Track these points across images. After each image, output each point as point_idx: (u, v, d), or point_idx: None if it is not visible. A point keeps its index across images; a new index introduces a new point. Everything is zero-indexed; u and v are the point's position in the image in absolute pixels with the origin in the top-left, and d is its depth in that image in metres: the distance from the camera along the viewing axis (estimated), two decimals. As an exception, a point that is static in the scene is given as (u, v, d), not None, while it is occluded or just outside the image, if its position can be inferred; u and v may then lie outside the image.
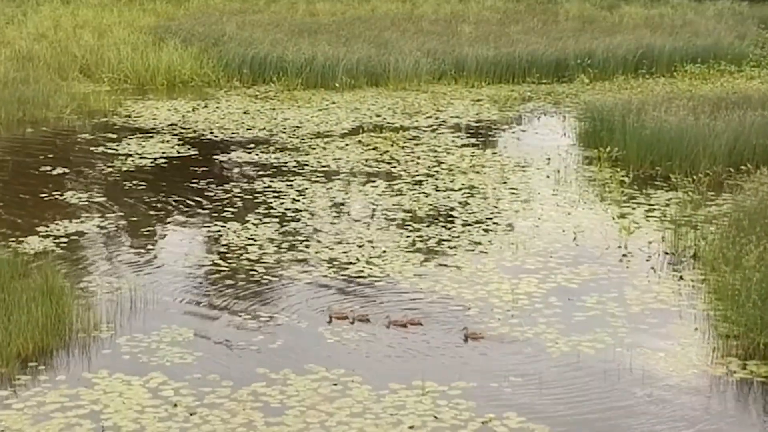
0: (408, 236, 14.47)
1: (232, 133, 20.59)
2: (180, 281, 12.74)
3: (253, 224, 14.95)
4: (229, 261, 13.42)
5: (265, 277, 12.87)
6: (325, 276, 12.93)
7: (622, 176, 17.27)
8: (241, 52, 26.32)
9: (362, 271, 13.08)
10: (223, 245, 14.06)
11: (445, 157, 18.85)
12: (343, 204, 16.02)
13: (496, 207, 15.89)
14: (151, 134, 20.47)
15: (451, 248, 14.01)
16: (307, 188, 16.84)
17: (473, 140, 20.31)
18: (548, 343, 10.99)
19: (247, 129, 20.93)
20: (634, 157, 17.96)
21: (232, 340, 11.00)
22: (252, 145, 19.59)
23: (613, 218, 15.38)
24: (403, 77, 25.34)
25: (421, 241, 14.28)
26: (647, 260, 13.66)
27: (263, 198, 16.29)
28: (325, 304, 11.97)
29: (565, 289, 12.57)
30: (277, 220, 15.19)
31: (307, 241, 14.27)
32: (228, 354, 10.72)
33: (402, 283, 12.70)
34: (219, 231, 14.65)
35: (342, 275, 12.96)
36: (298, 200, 16.17)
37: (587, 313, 11.80)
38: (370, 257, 13.60)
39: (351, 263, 13.37)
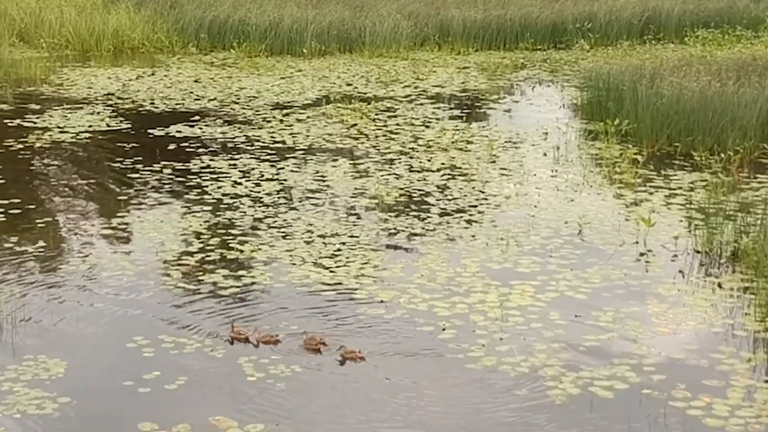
0: (371, 229, 11.53)
1: (177, 104, 17.58)
2: (66, 292, 9.77)
3: (179, 214, 11.99)
4: (138, 264, 10.46)
5: (180, 285, 9.92)
6: (255, 284, 9.98)
7: (635, 154, 14.30)
8: (198, 15, 23.29)
9: (306, 277, 10.15)
10: (134, 242, 11.10)
11: (423, 131, 15.87)
12: (293, 188, 13.06)
13: (482, 192, 12.94)
14: (81, 105, 17.46)
15: (425, 245, 11.06)
16: (253, 168, 13.87)
17: (457, 112, 17.33)
18: (549, 382, 8.05)
19: (195, 99, 17.92)
20: (647, 131, 15.00)
21: (114, 376, 8.05)
22: (197, 118, 16.60)
23: (627, 206, 12.44)
24: (380, 43, 22.32)
25: (386, 236, 11.35)
26: (672, 260, 10.74)
27: (198, 180, 13.32)
28: (246, 322, 9.03)
29: (569, 301, 9.65)
30: (210, 208, 12.23)
31: (242, 236, 11.33)
32: (104, 398, 7.77)
33: (356, 293, 9.76)
34: (133, 222, 11.69)
35: (279, 282, 10.01)
36: (240, 183, 13.20)
37: (600, 337, 8.87)
38: (320, 257, 10.66)
39: (293, 265, 10.43)
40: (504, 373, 8.20)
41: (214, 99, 17.92)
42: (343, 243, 11.08)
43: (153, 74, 19.95)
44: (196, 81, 19.35)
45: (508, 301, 9.58)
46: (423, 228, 11.60)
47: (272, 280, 10.06)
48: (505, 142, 15.33)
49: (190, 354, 8.48)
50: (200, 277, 10.09)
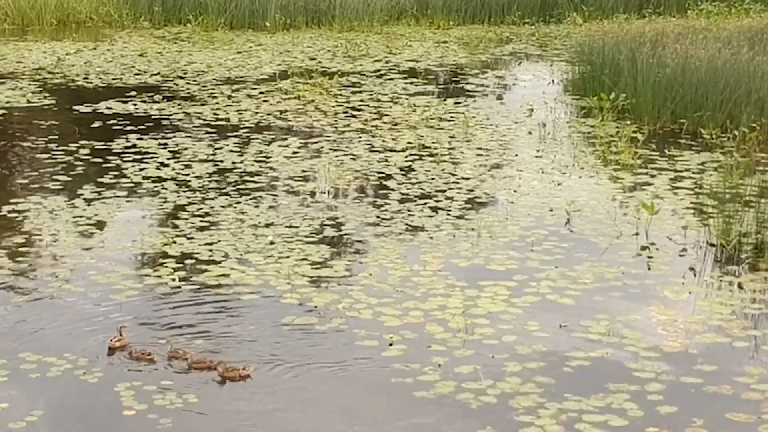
0: (315, 218, 9.49)
1: (113, 79, 15.49)
2: None
3: (85, 200, 9.94)
4: (19, 261, 8.41)
5: (64, 288, 7.87)
6: (159, 285, 7.94)
7: (633, 132, 12.24)
8: (153, -13, 21.15)
9: (225, 276, 8.10)
10: (23, 233, 9.05)
11: (390, 108, 13.81)
12: (229, 171, 11.00)
13: (453, 174, 10.89)
14: (3, 80, 15.35)
15: (378, 237, 9.02)
16: (186, 148, 11.82)
17: (431, 88, 15.27)
18: (522, 417, 6.02)
19: (136, 74, 15.83)
20: (648, 106, 12.95)
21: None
22: (132, 94, 14.51)
23: (624, 191, 10.41)
24: (351, 16, 20.23)
25: (332, 227, 9.30)
26: (681, 255, 8.73)
27: (117, 162, 11.26)
28: (151, 335, 7.00)
29: (553, 306, 7.63)
30: (125, 193, 10.19)
31: (160, 226, 9.29)
32: None
33: (284, 298, 7.72)
34: (27, 210, 9.64)
35: (190, 283, 7.97)
36: (168, 165, 11.15)
37: (591, 354, 6.83)
38: (247, 251, 8.61)
39: (213, 262, 8.38)
40: (464, 405, 6.17)
41: (158, 74, 15.84)
42: (279, 235, 9.03)
43: (95, 48, 17.85)
44: (141, 55, 17.25)
45: (475, 306, 7.56)
46: (378, 217, 9.56)
47: (183, 280, 8.01)
48: (484, 119, 13.28)
49: (55, 378, 6.45)
50: (93, 277, 8.05)
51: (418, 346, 6.93)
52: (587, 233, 9.18)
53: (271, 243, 8.88)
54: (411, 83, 15.33)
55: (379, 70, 16.22)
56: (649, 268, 8.44)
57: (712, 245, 8.83)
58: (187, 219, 9.45)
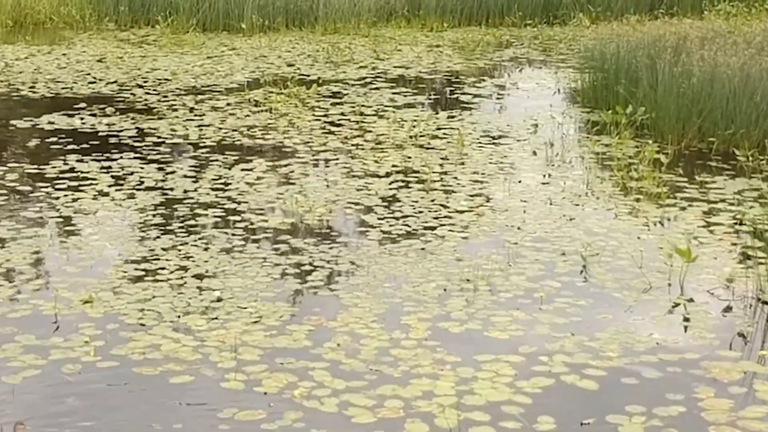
0: (275, 265, 7.76)
1: (63, 88, 13.74)
2: None
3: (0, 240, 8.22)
4: None
5: (-64, 368, 6.14)
6: (67, 361, 6.19)
7: (656, 152, 10.48)
8: (118, -15, 19.36)
9: (157, 347, 6.37)
10: None
11: (375, 123, 12.06)
12: (179, 202, 9.26)
13: (445, 206, 9.15)
14: (-63, 90, 13.62)
15: (350, 291, 7.29)
16: (132, 173, 10.08)
17: (421, 98, 13.52)
18: None
19: (90, 83, 14.07)
20: (671, 121, 11.23)
21: None
22: (82, 105, 12.77)
23: (649, 227, 8.68)
24: (336, 17, 18.45)
25: (296, 276, 7.58)
26: (724, 316, 6.99)
27: (48, 190, 9.52)
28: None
29: (571, 392, 5.90)
30: (49, 232, 8.45)
31: (83, 276, 7.56)
32: None
33: (225, 381, 5.97)
34: None
35: (108, 358, 6.23)
36: (107, 194, 9.41)
37: (627, 476, 5.10)
38: (186, 312, 6.88)
39: (141, 328, 6.65)
40: None
41: (114, 82, 14.08)
42: (229, 288, 7.30)
43: (49, 53, 16.09)
44: (99, 60, 15.49)
45: (470, 393, 5.83)
46: (352, 263, 7.82)
47: (98, 352, 6.28)
48: (482, 136, 11.54)
49: None
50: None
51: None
52: (608, 285, 7.44)
53: (219, 300, 7.15)
54: (399, 93, 13.58)
55: (364, 78, 14.47)
56: (687, 333, 6.70)
57: (765, 303, 7.10)
58: (118, 266, 7.72)
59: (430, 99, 13.51)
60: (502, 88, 14.33)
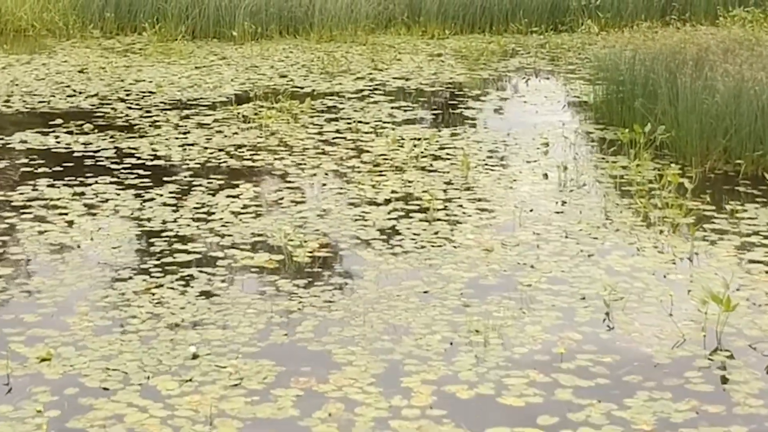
0: (260, 313, 6.89)
1: (40, 102, 12.85)
2: None
3: (-50, 284, 7.33)
4: None
5: None
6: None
7: (679, 176, 9.60)
8: (105, -10, 18.43)
9: (119, 418, 5.54)
10: None
11: (373, 142, 11.18)
12: (156, 235, 8.38)
13: (450, 240, 8.27)
14: None
15: (345, 346, 6.42)
16: (107, 200, 9.21)
17: (422, 113, 12.63)
18: None
19: (69, 96, 13.18)
20: (693, 141, 10.35)
21: None
22: (59, 121, 11.88)
23: (677, 265, 7.80)
24: (333, 24, 17.54)
25: (282, 326, 6.72)
26: (771, 374, 6.12)
27: (14, 220, 8.65)
28: None
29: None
30: (9, 271, 7.57)
31: (43, 326, 6.69)
32: None
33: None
34: None
35: (68, 430, 5.38)
36: (77, 225, 8.53)
37: None
38: (157, 372, 6.02)
39: (104, 393, 5.78)
40: None
41: (95, 95, 13.18)
42: (206, 342, 6.43)
43: (29, 63, 15.18)
44: (81, 71, 14.59)
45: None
46: (347, 311, 6.95)
47: (51, 426, 5.41)
48: (488, 157, 10.65)
49: None
50: None
51: None
52: (636, 339, 6.58)
53: (194, 356, 6.28)
54: (399, 107, 12.69)
55: (362, 91, 13.58)
56: (732, 399, 5.83)
57: (819, 363, 6.24)
58: (83, 314, 6.85)
59: (431, 114, 12.63)
60: (508, 101, 13.44)
